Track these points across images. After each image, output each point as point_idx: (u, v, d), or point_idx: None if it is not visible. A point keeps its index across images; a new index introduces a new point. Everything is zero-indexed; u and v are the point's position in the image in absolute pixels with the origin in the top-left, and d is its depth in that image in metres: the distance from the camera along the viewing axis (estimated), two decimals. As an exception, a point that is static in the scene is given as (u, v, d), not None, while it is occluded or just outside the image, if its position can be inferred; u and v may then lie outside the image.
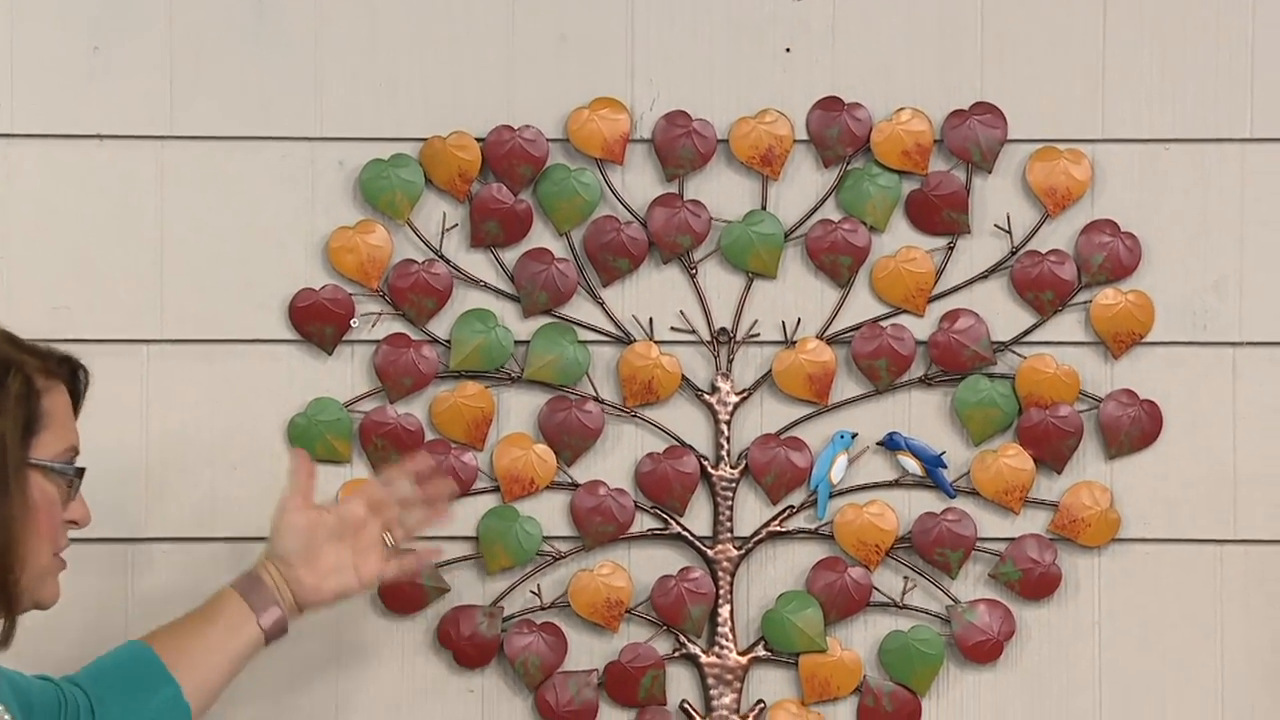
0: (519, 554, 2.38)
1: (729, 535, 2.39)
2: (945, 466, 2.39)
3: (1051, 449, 2.39)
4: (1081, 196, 2.39)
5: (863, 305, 2.41)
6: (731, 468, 2.39)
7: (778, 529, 2.40)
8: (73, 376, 1.89)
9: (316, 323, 2.37)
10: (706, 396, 2.40)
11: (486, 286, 2.40)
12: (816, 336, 2.40)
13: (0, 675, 1.89)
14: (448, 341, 2.38)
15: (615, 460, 2.40)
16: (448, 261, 2.39)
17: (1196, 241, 2.40)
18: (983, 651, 2.39)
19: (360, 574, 2.12)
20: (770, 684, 2.41)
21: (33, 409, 1.81)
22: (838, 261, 2.39)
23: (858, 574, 2.38)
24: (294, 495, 2.12)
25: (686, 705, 2.40)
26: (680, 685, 2.40)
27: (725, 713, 2.39)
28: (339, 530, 2.12)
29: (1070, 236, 2.40)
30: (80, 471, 1.86)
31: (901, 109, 2.39)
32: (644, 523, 2.40)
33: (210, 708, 2.06)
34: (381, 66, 2.39)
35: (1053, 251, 2.40)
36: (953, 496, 2.40)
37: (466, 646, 2.37)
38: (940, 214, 2.40)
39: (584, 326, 2.39)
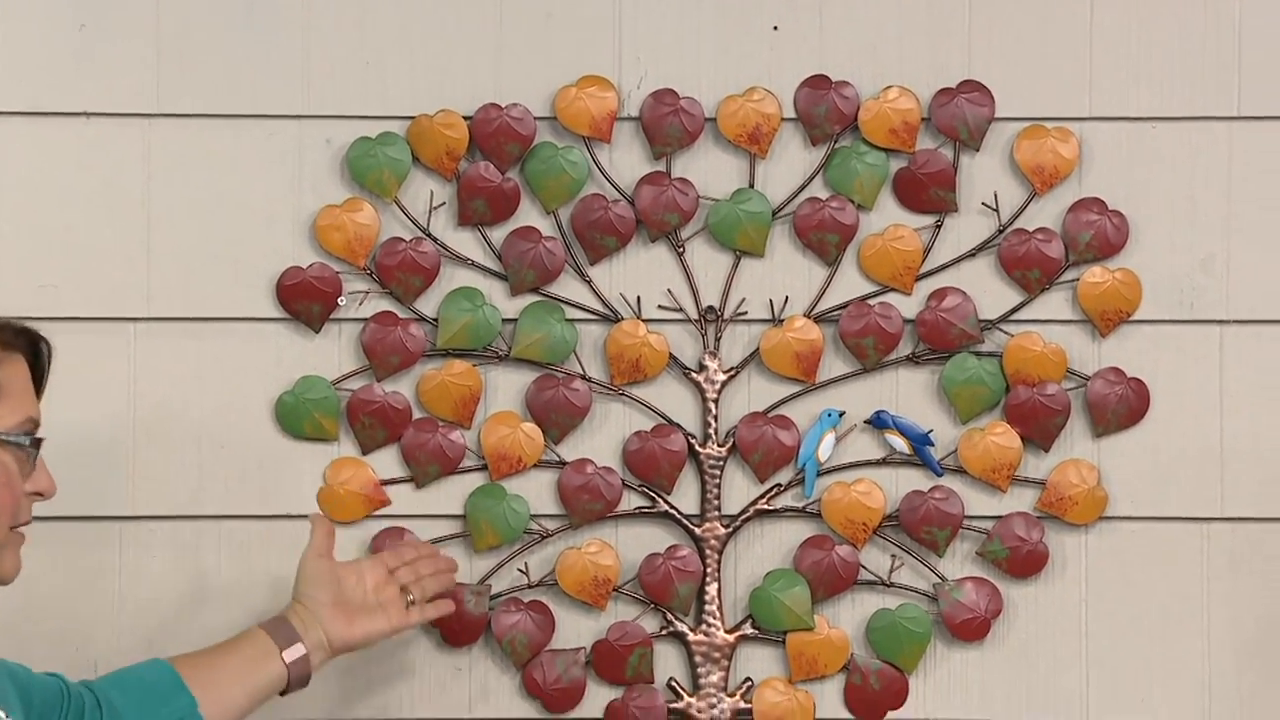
0: (506, 532, 2.38)
1: (716, 513, 2.39)
2: (933, 444, 2.39)
3: (1039, 427, 2.39)
4: (1069, 175, 2.39)
5: (850, 283, 2.40)
6: (719, 446, 2.39)
7: (765, 507, 2.40)
8: (33, 349, 1.88)
9: (304, 301, 2.37)
10: (694, 375, 2.40)
11: (474, 265, 2.39)
12: (804, 315, 2.40)
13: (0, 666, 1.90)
14: (435, 320, 2.38)
15: (603, 438, 2.40)
16: (435, 240, 2.38)
17: (1184, 220, 2.40)
18: (970, 629, 2.39)
19: (389, 617, 2.17)
20: (758, 662, 2.41)
21: None
22: (825, 240, 2.39)
23: (845, 552, 2.38)
24: (316, 547, 2.17)
25: (674, 683, 2.40)
26: (668, 663, 2.40)
27: (713, 691, 2.39)
28: (361, 581, 2.17)
29: (1058, 215, 2.40)
30: (38, 442, 1.85)
31: (889, 87, 2.39)
32: (631, 501, 2.40)
33: None
34: (369, 44, 2.38)
35: (1040, 230, 2.39)
36: (940, 474, 2.40)
37: (454, 625, 2.36)
38: (928, 192, 2.40)
39: (571, 305, 2.39)
